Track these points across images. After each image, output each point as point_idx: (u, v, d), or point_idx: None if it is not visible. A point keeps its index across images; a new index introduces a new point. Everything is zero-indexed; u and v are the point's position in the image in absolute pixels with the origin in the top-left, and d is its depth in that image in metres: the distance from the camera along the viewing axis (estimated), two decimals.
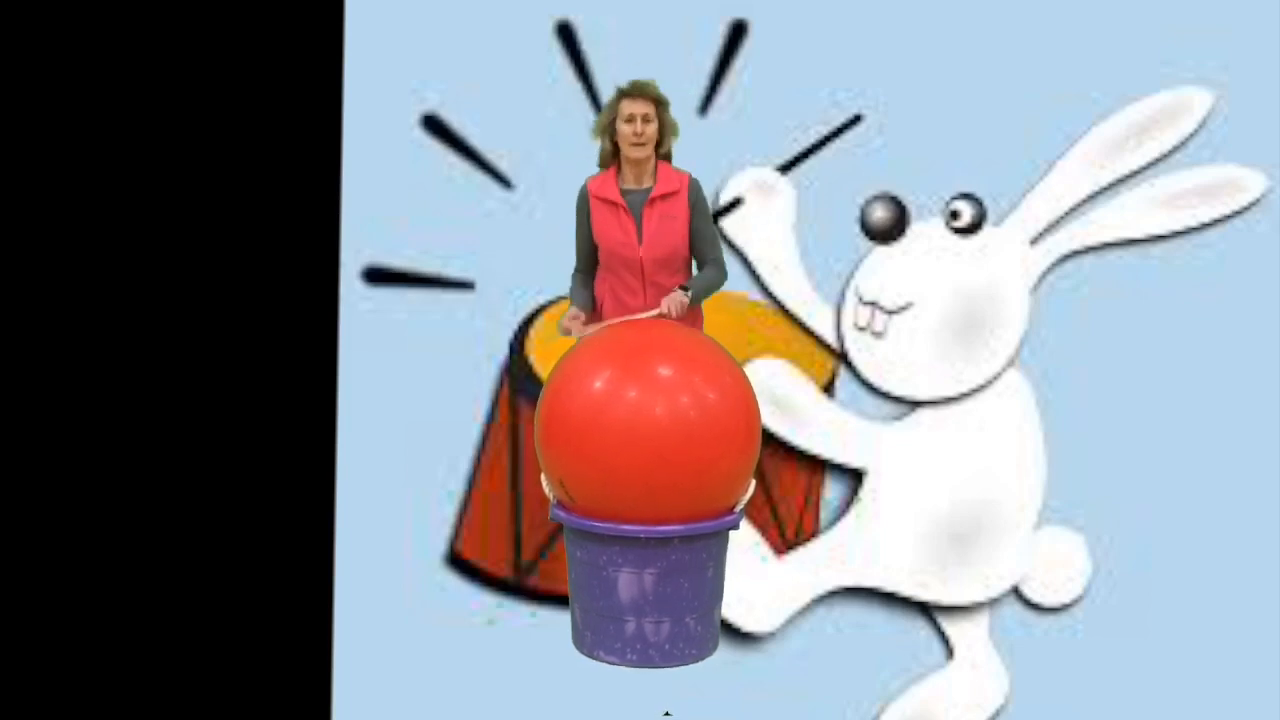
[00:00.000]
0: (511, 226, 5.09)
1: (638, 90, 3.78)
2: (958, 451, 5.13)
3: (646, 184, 3.78)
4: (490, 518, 5.17)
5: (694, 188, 3.81)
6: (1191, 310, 5.10)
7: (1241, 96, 5.03)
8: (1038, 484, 5.14)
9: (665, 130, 3.80)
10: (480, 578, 5.19)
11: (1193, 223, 5.07)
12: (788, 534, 5.19)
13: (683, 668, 3.64)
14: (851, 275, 5.14)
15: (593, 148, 3.93)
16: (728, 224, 5.09)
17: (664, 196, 3.76)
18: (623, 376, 3.49)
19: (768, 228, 5.11)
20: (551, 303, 5.14)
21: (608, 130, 3.81)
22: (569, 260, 5.06)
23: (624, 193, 3.78)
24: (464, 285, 5.14)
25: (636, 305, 3.77)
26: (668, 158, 3.87)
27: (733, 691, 5.08)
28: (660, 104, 3.79)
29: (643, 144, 3.74)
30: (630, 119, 3.74)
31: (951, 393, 5.13)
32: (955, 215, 5.09)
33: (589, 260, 3.86)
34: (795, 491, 5.19)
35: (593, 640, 3.62)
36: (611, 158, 3.82)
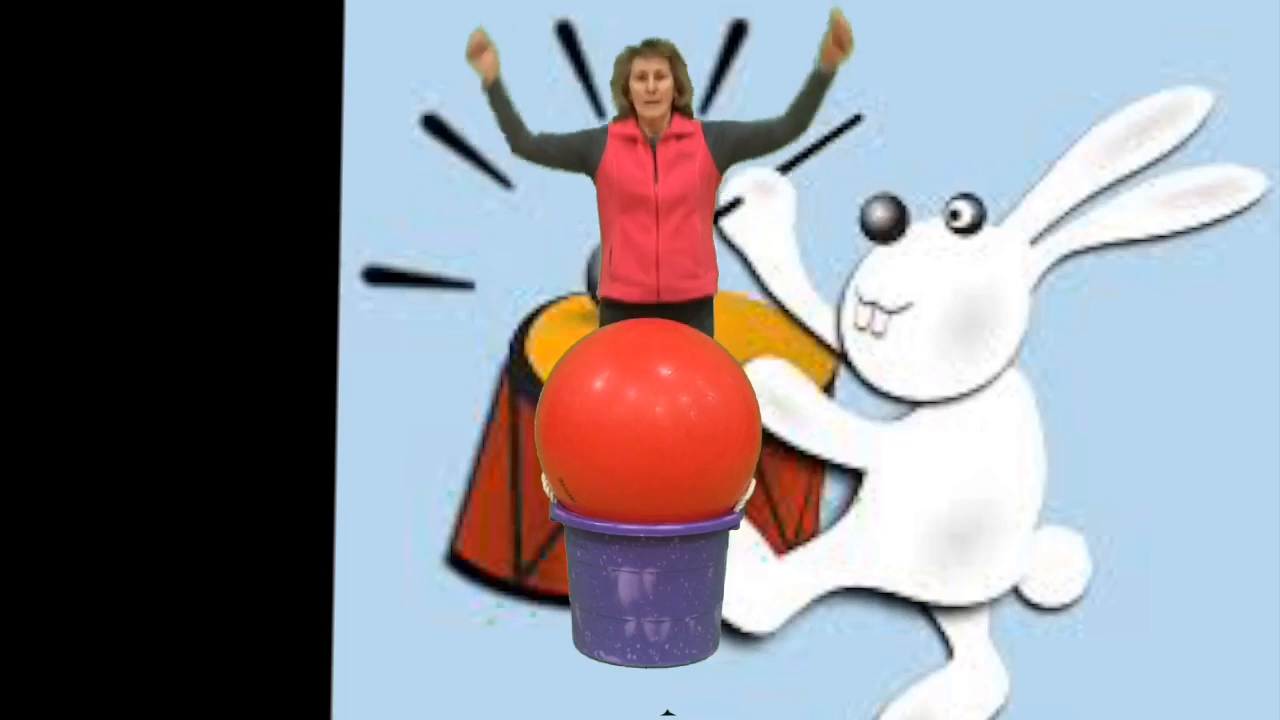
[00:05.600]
0: (511, 226, 5.09)
1: (650, 47, 3.73)
2: (958, 451, 5.13)
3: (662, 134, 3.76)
4: (490, 518, 5.17)
5: (706, 125, 3.78)
6: (1191, 310, 5.10)
7: (1241, 96, 5.04)
8: (1038, 484, 5.14)
9: (681, 85, 3.75)
10: (480, 578, 5.19)
11: (1193, 223, 5.07)
12: (788, 534, 5.19)
13: (683, 668, 3.64)
14: (851, 275, 5.14)
15: None
16: (727, 224, 5.09)
17: (679, 136, 3.73)
18: (623, 376, 3.49)
19: (768, 228, 5.11)
20: (551, 303, 5.14)
21: (622, 89, 3.77)
22: (569, 260, 5.08)
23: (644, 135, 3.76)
24: (464, 285, 5.14)
25: (648, 244, 3.73)
26: (687, 110, 3.81)
27: (733, 691, 5.08)
28: (675, 60, 3.75)
29: (656, 101, 3.69)
30: (643, 76, 3.70)
31: (951, 393, 5.13)
32: (955, 215, 5.09)
33: (551, 135, 3.81)
34: (795, 491, 5.19)
35: (593, 640, 3.62)
36: (629, 113, 3.79)
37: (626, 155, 3.73)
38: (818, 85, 3.71)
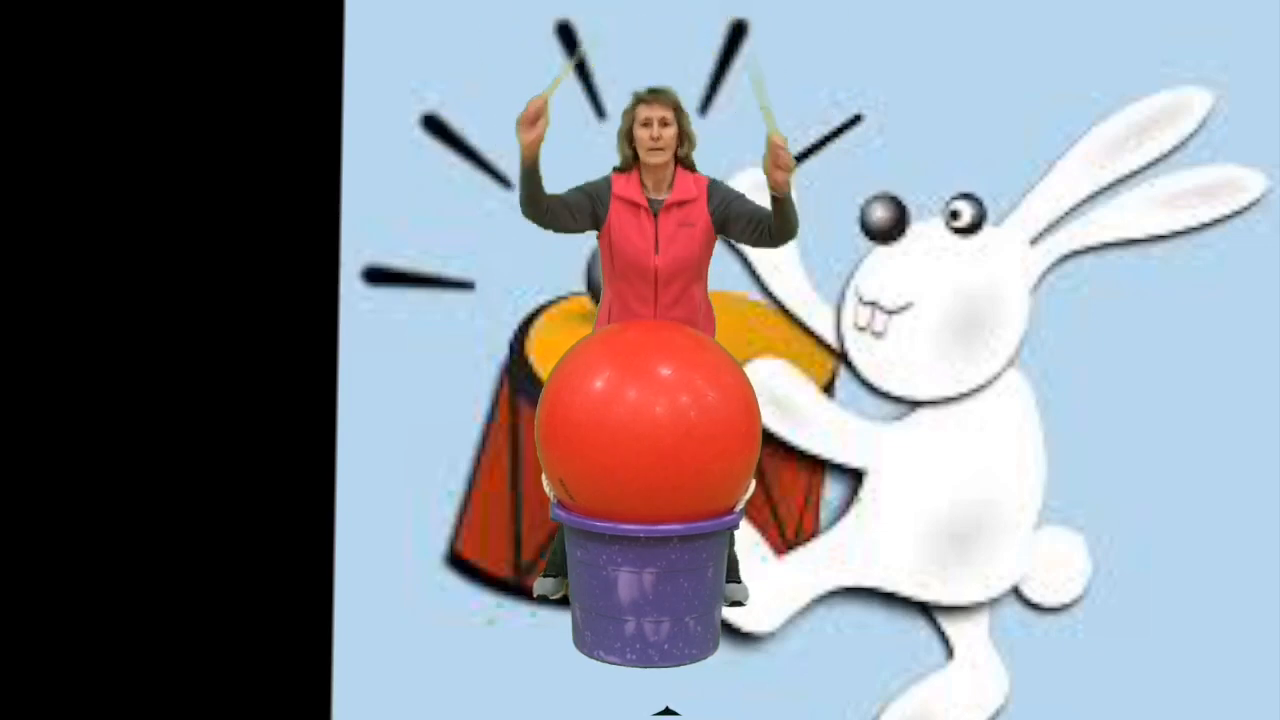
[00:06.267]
0: (511, 226, 5.05)
1: (654, 95, 3.70)
2: (958, 451, 5.13)
3: (664, 194, 3.71)
4: (490, 518, 5.17)
5: (713, 187, 3.73)
6: (1191, 310, 5.10)
7: (1241, 96, 5.04)
8: (1038, 484, 5.14)
9: (685, 135, 3.71)
10: (480, 578, 5.19)
11: (1193, 223, 5.08)
12: (788, 534, 5.19)
13: (683, 668, 3.64)
14: (851, 275, 5.14)
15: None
16: None
17: (680, 204, 3.68)
18: (623, 376, 3.49)
19: None
20: (551, 303, 5.14)
21: (626, 137, 3.73)
22: (569, 260, 5.08)
23: (647, 200, 3.71)
24: (464, 285, 5.14)
25: (646, 314, 3.71)
26: (688, 164, 3.76)
27: (733, 691, 5.08)
28: (678, 109, 3.72)
29: (660, 149, 3.65)
30: (647, 123, 3.65)
31: (951, 393, 5.13)
32: (955, 215, 5.09)
33: (562, 201, 3.68)
34: (795, 491, 5.19)
35: (593, 640, 3.61)
36: (632, 164, 3.74)
37: (629, 222, 3.68)
38: (777, 206, 3.62)
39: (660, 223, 3.67)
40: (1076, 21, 5.06)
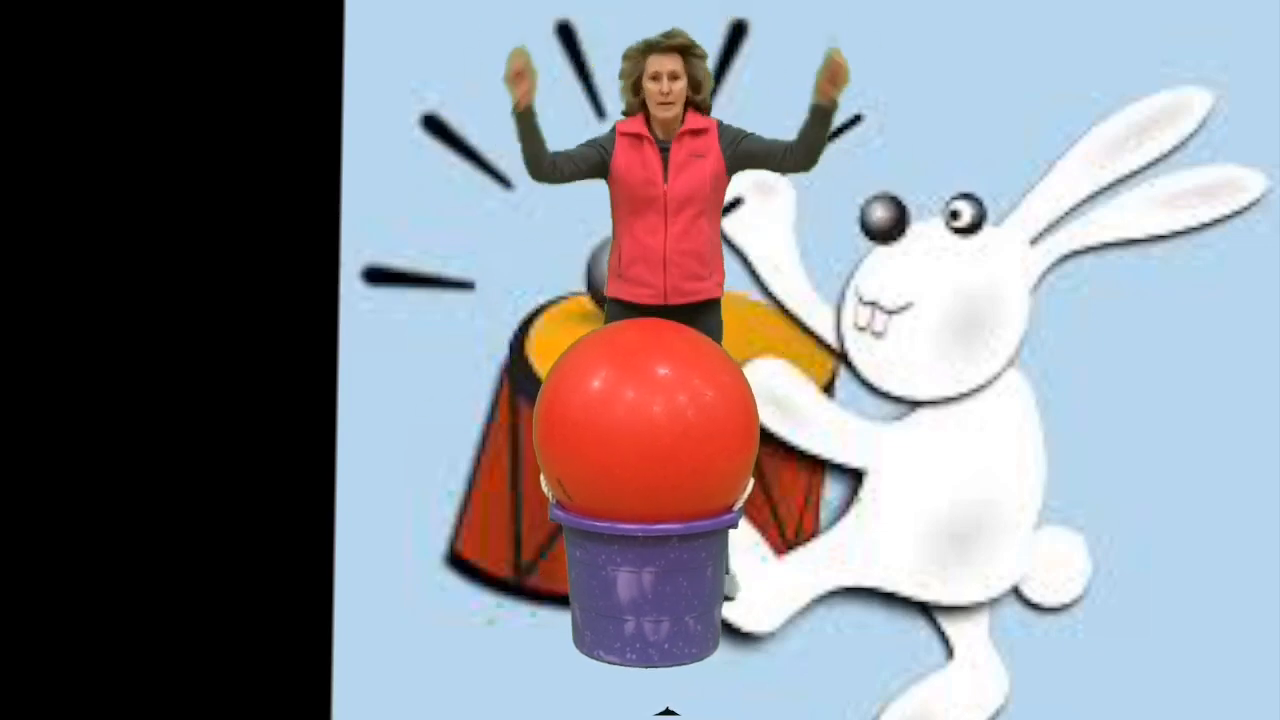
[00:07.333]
0: (511, 226, 5.09)
1: (664, 43, 3.63)
2: (958, 451, 5.13)
3: (674, 135, 3.68)
4: (490, 518, 5.17)
5: (723, 127, 3.70)
6: (1191, 310, 5.10)
7: (1241, 96, 5.04)
8: (1038, 484, 5.14)
9: (698, 83, 3.65)
10: (480, 578, 5.19)
11: (1193, 223, 5.07)
12: (788, 534, 5.19)
13: (683, 667, 3.64)
14: (851, 275, 5.14)
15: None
16: (727, 224, 5.09)
17: (693, 133, 3.65)
18: (621, 376, 3.49)
19: (768, 228, 5.11)
20: (551, 303, 5.14)
21: (633, 87, 3.68)
22: (569, 260, 5.09)
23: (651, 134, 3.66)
24: (464, 285, 5.14)
25: (656, 245, 3.67)
26: (702, 106, 3.70)
27: (733, 691, 5.08)
28: (688, 53, 3.63)
29: (670, 102, 3.61)
30: (656, 77, 3.60)
31: (951, 393, 5.13)
32: (955, 215, 5.09)
33: (566, 154, 3.67)
34: (795, 491, 5.19)
35: (592, 640, 3.62)
36: (638, 110, 3.71)
37: (634, 155, 3.66)
38: (816, 118, 3.59)
39: (672, 151, 3.64)
40: (1076, 21, 5.05)
